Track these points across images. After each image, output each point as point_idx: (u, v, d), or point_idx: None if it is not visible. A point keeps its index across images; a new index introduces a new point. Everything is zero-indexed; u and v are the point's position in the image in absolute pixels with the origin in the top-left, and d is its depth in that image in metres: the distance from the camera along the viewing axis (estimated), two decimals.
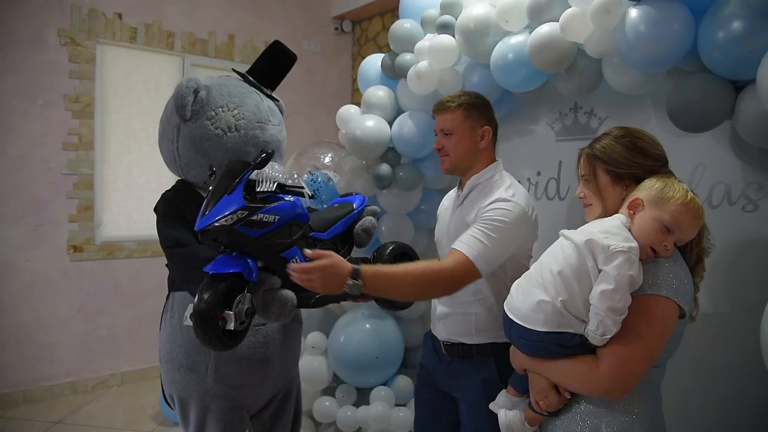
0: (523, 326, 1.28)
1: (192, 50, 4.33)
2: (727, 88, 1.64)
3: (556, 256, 1.29)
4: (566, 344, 1.24)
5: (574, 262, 1.23)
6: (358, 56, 5.10)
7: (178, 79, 4.31)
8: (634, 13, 1.65)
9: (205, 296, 1.35)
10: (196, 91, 1.73)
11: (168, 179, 4.18)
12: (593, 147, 1.43)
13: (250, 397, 1.82)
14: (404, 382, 2.83)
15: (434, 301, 1.88)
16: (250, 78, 1.90)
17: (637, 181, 1.37)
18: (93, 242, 3.93)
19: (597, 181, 1.40)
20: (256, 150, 1.77)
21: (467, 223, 1.68)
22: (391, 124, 2.63)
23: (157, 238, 1.70)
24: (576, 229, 1.38)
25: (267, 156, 1.50)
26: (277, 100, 2.00)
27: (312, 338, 2.90)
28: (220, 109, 1.74)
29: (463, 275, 1.57)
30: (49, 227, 3.74)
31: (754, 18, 1.47)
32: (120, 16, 3.97)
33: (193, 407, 1.76)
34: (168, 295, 1.84)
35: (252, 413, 1.91)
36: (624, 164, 1.36)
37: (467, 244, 1.58)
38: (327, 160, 2.99)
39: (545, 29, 1.92)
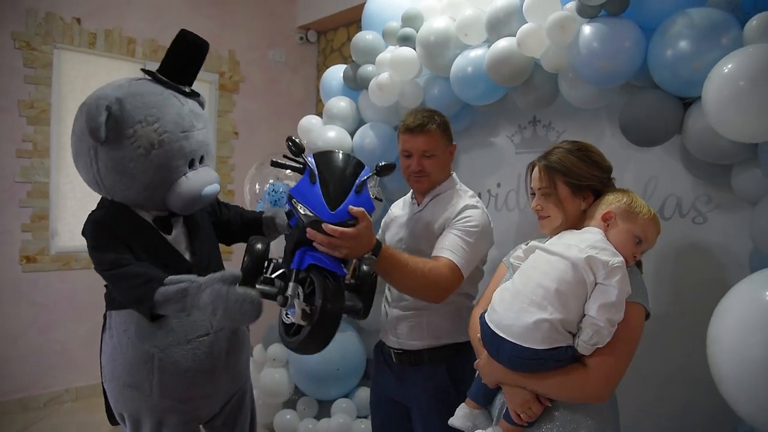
0: (519, 345, 1.28)
1: (154, 57, 4.25)
2: (675, 104, 1.70)
3: (547, 273, 1.30)
4: (561, 358, 1.27)
5: (571, 279, 1.27)
6: (324, 66, 5.09)
7: None
8: (587, 30, 1.69)
9: (332, 295, 1.35)
10: (108, 108, 1.58)
11: None
12: (549, 159, 1.46)
13: (202, 408, 1.77)
14: (366, 394, 2.81)
15: (386, 307, 1.89)
16: (163, 78, 1.75)
17: (594, 193, 1.44)
18: (47, 253, 3.81)
19: (557, 193, 1.44)
20: (185, 162, 1.70)
21: (434, 230, 1.75)
22: (352, 134, 2.64)
23: None
24: (536, 239, 1.41)
25: (390, 166, 1.53)
26: (197, 95, 1.88)
27: (273, 350, 2.87)
28: (139, 125, 1.61)
29: (454, 282, 1.64)
30: (1, 237, 3.61)
31: (700, 38, 1.52)
32: (79, 21, 3.88)
33: (145, 424, 1.71)
34: (105, 314, 1.78)
35: (205, 421, 1.87)
36: (584, 177, 1.42)
37: (452, 251, 1.65)
38: (289, 170, 2.96)
39: (503, 44, 1.96)
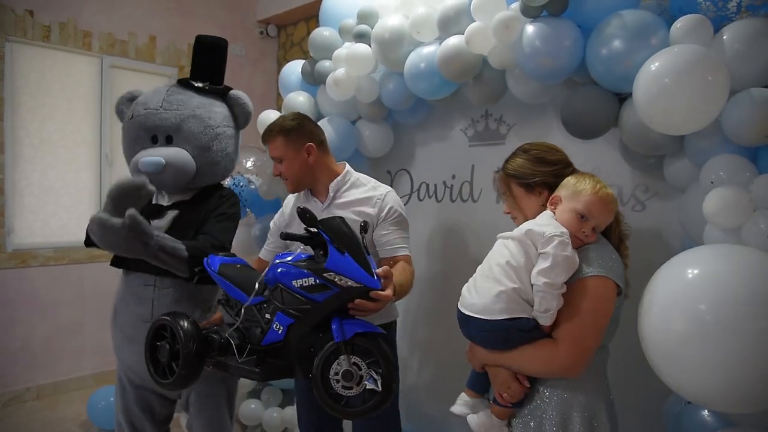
0: (483, 318, 1.40)
1: (111, 51, 4.21)
2: (611, 99, 1.81)
3: (501, 253, 1.43)
4: (524, 328, 1.38)
5: (517, 254, 1.40)
6: (284, 60, 5.10)
7: (96, 80, 4.19)
8: (530, 29, 1.79)
9: (390, 353, 1.47)
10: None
11: (87, 183, 4.07)
12: (506, 167, 1.61)
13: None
14: None
15: None
16: (190, 82, 2.18)
17: (548, 186, 1.55)
18: (4, 250, 3.76)
19: (513, 195, 1.58)
20: (146, 135, 2.10)
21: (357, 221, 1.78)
22: None
23: (76, 245, 1.76)
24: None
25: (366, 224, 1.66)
26: (217, 88, 2.24)
27: None
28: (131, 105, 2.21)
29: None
30: None
31: (631, 38, 1.63)
32: (31, 13, 3.82)
33: None
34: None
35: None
36: (530, 175, 1.55)
37: (403, 246, 1.91)
38: (249, 164, 3.01)
39: (453, 41, 2.04)
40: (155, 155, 2.01)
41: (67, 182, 4.02)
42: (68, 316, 3.98)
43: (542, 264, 1.35)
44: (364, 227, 1.61)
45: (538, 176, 1.54)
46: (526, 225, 1.45)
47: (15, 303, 3.79)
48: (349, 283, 1.46)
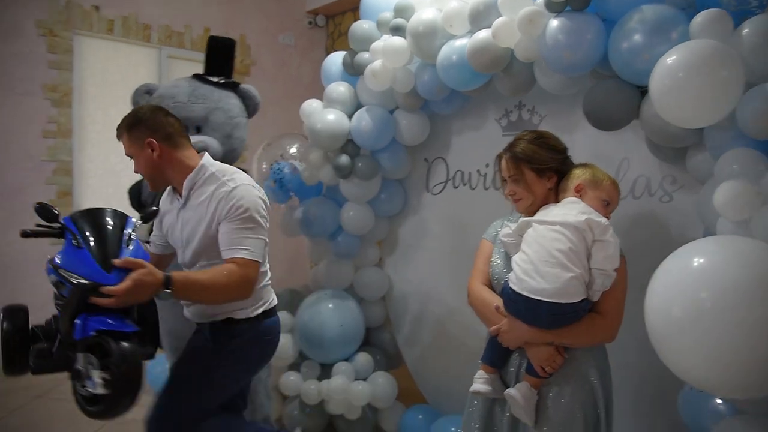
0: (557, 302, 1.52)
1: (168, 42, 4.46)
2: (633, 92, 1.85)
3: (557, 239, 1.55)
4: (585, 308, 1.56)
5: (577, 240, 1.53)
6: (332, 49, 5.23)
7: (155, 70, 4.44)
8: (554, 23, 1.85)
9: (129, 354, 1.40)
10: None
11: None
12: (514, 151, 1.71)
13: None
14: (364, 359, 3.02)
15: None
16: (204, 77, 2.39)
17: (556, 172, 1.70)
18: None
19: (525, 178, 1.69)
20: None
21: (204, 227, 1.77)
22: (351, 117, 2.81)
23: None
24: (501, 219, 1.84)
25: (155, 211, 1.80)
26: (229, 83, 2.46)
27: (280, 317, 3.08)
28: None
29: (253, 274, 1.71)
30: (29, 213, 3.85)
31: (651, 32, 1.67)
32: (97, 8, 4.09)
33: None
34: None
35: None
36: (545, 161, 1.68)
37: (239, 247, 1.69)
38: (293, 150, 3.16)
39: (482, 35, 2.11)
40: (196, 142, 2.22)
41: (127, 166, 4.26)
42: None
43: (606, 250, 1.52)
44: (145, 217, 1.74)
45: (551, 162, 1.68)
46: (576, 213, 1.57)
47: None
48: (79, 280, 1.43)
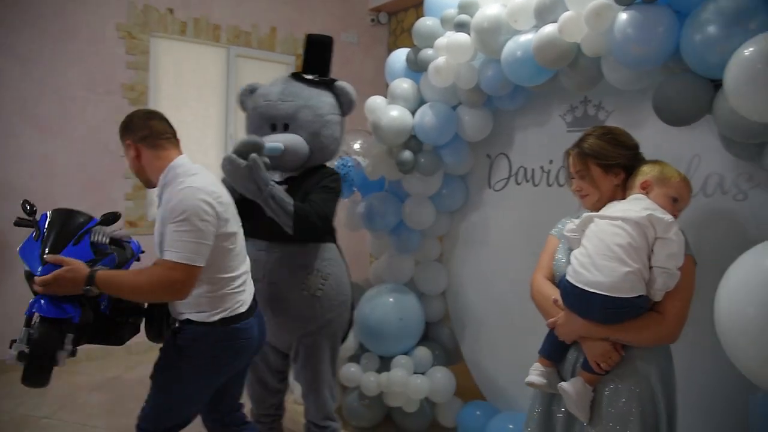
0: (612, 296, 1.51)
1: (236, 42, 4.62)
2: (705, 86, 1.78)
3: (617, 234, 1.53)
4: (642, 305, 1.52)
5: (637, 236, 1.50)
6: (394, 46, 5.27)
7: (223, 68, 4.62)
8: (623, 17, 1.81)
9: (38, 339, 1.63)
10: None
11: (214, 160, 4.52)
12: (582, 147, 1.71)
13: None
14: (423, 353, 3.06)
15: None
16: (302, 75, 2.49)
17: (623, 168, 1.68)
18: (146, 219, 4.30)
19: (591, 174, 1.69)
20: (266, 123, 2.45)
21: (162, 227, 1.79)
22: (414, 113, 2.84)
23: None
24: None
25: (114, 214, 1.87)
26: (325, 80, 2.52)
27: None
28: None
29: (182, 278, 1.70)
30: (108, 205, 4.10)
31: (727, 24, 1.61)
32: (171, 11, 4.29)
33: None
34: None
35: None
36: (612, 157, 1.66)
37: (170, 250, 1.71)
38: (357, 146, 3.22)
39: (548, 29, 2.09)
40: (276, 141, 2.33)
41: (198, 159, 4.43)
42: None
43: (669, 248, 1.48)
44: (103, 219, 1.84)
45: (619, 158, 1.66)
46: (640, 209, 1.54)
47: (150, 262, 4.31)
48: (25, 267, 1.72)
